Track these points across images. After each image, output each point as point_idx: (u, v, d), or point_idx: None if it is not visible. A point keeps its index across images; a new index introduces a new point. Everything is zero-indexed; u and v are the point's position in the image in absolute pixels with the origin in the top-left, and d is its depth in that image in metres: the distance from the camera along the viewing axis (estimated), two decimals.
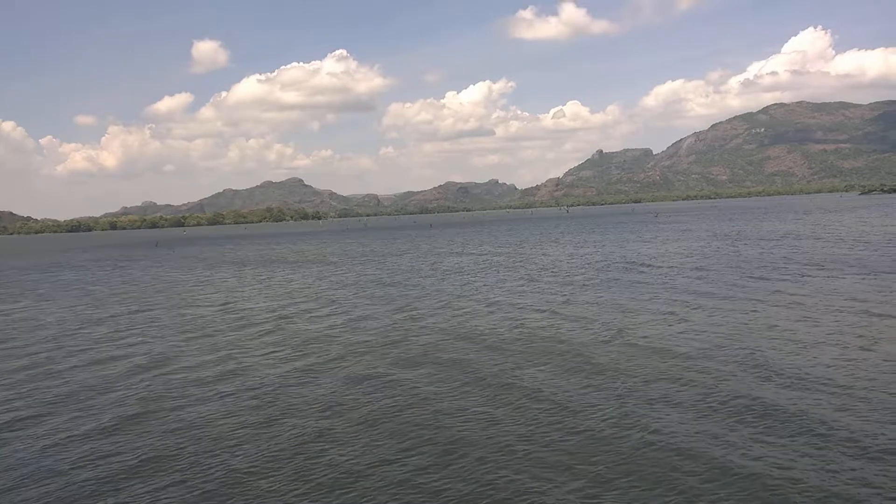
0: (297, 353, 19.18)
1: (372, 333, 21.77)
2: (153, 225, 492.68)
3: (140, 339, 22.88)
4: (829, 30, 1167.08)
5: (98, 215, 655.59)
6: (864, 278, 28.02)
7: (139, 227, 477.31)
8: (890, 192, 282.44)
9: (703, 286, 28.46)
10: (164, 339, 22.43)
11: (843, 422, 11.33)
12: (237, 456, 11.19)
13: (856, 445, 10.35)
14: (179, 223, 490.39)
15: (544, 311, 24.47)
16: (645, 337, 18.81)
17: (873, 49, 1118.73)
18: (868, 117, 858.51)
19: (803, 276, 29.99)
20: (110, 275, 54.79)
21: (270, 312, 27.69)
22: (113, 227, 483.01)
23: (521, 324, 22.07)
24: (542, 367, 16.01)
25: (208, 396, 14.93)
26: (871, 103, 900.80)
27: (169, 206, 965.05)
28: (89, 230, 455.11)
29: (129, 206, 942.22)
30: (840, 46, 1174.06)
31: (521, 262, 46.65)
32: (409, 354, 18.25)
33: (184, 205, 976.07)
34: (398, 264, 50.67)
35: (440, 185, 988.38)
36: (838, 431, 10.91)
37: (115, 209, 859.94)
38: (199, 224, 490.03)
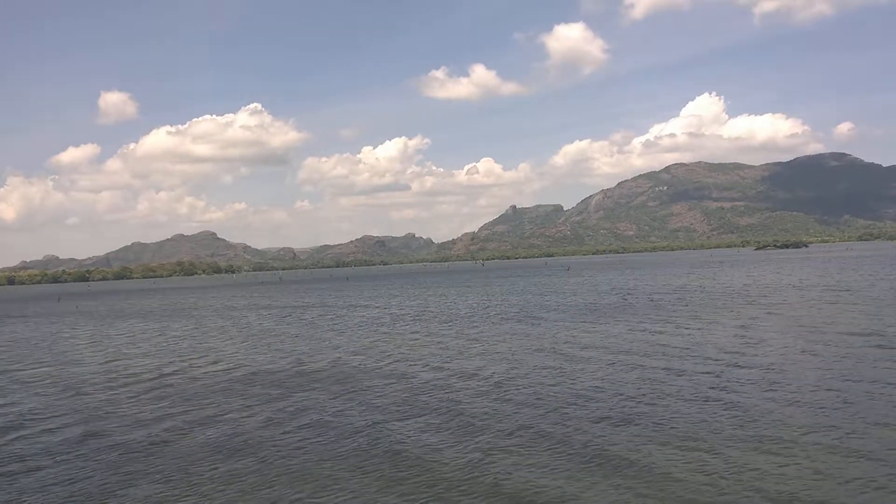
0: (170, 408, 20.61)
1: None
2: (55, 279, 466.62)
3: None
4: (722, 95, 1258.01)
5: None
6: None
7: (40, 282, 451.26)
8: (782, 248, 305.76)
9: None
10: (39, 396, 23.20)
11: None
12: None
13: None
14: (84, 277, 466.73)
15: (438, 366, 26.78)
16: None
17: (761, 114, 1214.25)
18: (759, 177, 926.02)
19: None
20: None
21: (152, 369, 28.73)
22: (11, 281, 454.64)
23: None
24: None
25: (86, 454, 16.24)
26: (762, 164, 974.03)
27: (73, 259, 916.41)
28: None
29: (28, 261, 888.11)
30: (732, 111, 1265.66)
31: (424, 313, 49.05)
32: (289, 401, 20.09)
33: (89, 259, 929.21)
34: (301, 316, 52.16)
35: (357, 239, 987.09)
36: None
37: (13, 263, 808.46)
38: (104, 278, 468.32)
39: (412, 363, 26.69)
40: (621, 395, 19.04)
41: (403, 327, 41.46)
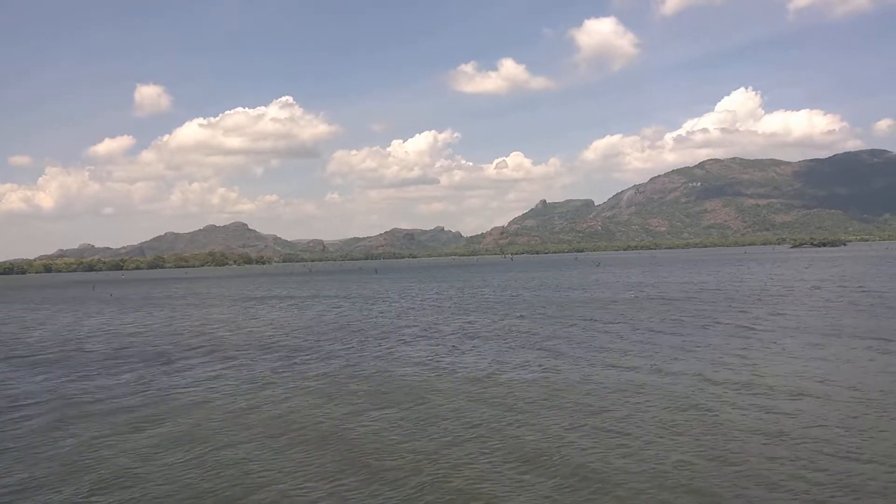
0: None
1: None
2: (90, 268, 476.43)
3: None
4: (759, 91, 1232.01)
5: (32, 258, 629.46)
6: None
7: (75, 270, 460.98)
8: (819, 246, 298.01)
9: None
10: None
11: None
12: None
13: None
14: (118, 266, 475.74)
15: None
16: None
17: (798, 111, 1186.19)
18: (795, 174, 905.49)
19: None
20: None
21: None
22: (48, 269, 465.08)
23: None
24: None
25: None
26: (799, 161, 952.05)
27: (108, 248, 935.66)
28: (23, 272, 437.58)
29: (65, 249, 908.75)
30: (768, 107, 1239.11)
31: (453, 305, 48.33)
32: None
33: (123, 248, 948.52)
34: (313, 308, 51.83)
35: (386, 232, 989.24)
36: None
37: (50, 251, 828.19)
38: (138, 268, 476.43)
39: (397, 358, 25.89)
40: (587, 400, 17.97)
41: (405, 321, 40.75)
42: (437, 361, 23.50)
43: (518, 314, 39.60)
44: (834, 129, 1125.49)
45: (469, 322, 36.07)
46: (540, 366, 21.76)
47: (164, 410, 17.38)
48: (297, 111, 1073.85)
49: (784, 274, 74.62)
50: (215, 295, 79.36)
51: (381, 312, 44.54)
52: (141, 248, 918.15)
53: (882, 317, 30.78)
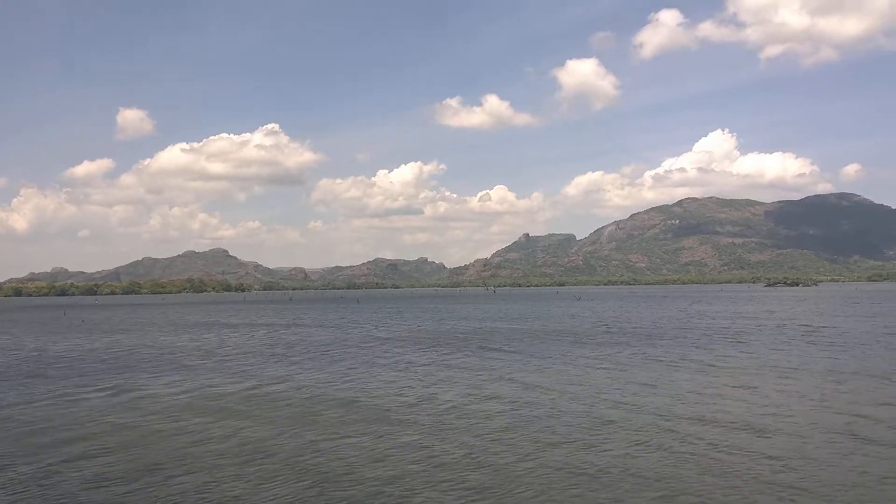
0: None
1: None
2: (63, 292, 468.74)
3: None
4: (734, 133, 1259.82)
5: (2, 280, 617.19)
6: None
7: (47, 294, 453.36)
8: (791, 286, 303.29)
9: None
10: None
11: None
12: None
13: None
14: (92, 291, 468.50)
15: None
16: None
17: (771, 153, 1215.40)
18: (769, 214, 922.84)
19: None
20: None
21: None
22: (17, 293, 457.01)
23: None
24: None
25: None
26: (773, 202, 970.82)
27: (82, 272, 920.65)
28: None
29: (37, 272, 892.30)
30: (743, 149, 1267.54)
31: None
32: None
33: (98, 272, 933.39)
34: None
35: (369, 261, 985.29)
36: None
37: (22, 274, 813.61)
38: (112, 293, 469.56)
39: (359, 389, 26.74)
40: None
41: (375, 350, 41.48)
42: (406, 392, 24.48)
43: (495, 346, 40.70)
44: (805, 173, 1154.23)
45: (444, 354, 37.05)
46: (509, 399, 22.73)
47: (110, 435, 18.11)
48: (283, 139, 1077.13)
49: (753, 311, 76.69)
50: (190, 322, 79.37)
51: (359, 342, 45.34)
52: (117, 273, 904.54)
53: (841, 355, 32.41)
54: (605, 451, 15.52)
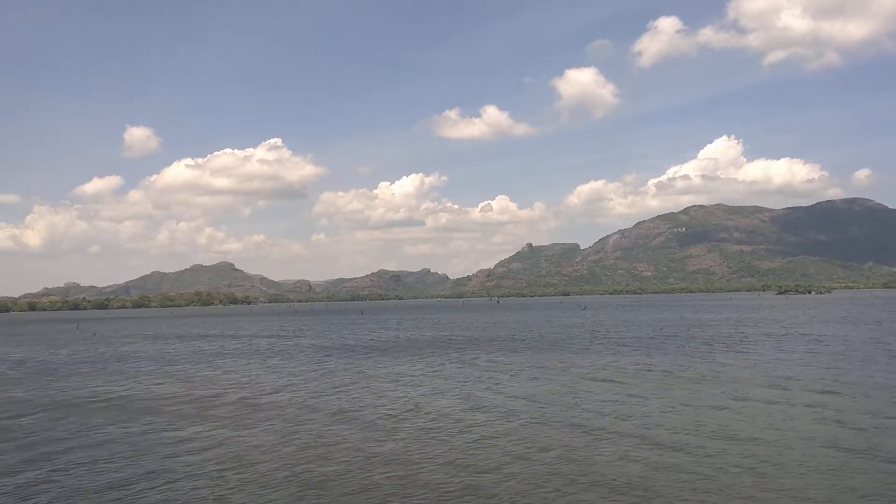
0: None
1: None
2: (75, 306, 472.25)
3: None
4: (741, 139, 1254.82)
5: (17, 295, 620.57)
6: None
7: (60, 309, 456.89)
8: (803, 293, 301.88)
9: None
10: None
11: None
12: None
13: None
14: (103, 305, 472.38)
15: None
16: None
17: (778, 159, 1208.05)
18: (779, 221, 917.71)
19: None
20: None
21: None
22: (32, 308, 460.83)
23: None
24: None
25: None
26: (781, 208, 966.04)
27: (93, 287, 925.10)
28: (7, 311, 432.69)
29: (50, 287, 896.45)
30: (749, 155, 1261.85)
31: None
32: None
33: (109, 286, 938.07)
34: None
35: (373, 273, 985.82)
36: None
37: (35, 290, 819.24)
38: (123, 307, 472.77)
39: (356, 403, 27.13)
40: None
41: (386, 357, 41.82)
42: (398, 401, 24.93)
43: (495, 353, 41.04)
44: (814, 178, 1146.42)
45: (438, 363, 37.44)
46: (499, 407, 23.15)
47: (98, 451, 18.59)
48: (286, 153, 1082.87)
49: (764, 318, 76.59)
50: (202, 335, 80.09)
51: (360, 349, 45.77)
52: (127, 287, 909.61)
53: (846, 367, 32.63)
54: (587, 458, 15.90)
